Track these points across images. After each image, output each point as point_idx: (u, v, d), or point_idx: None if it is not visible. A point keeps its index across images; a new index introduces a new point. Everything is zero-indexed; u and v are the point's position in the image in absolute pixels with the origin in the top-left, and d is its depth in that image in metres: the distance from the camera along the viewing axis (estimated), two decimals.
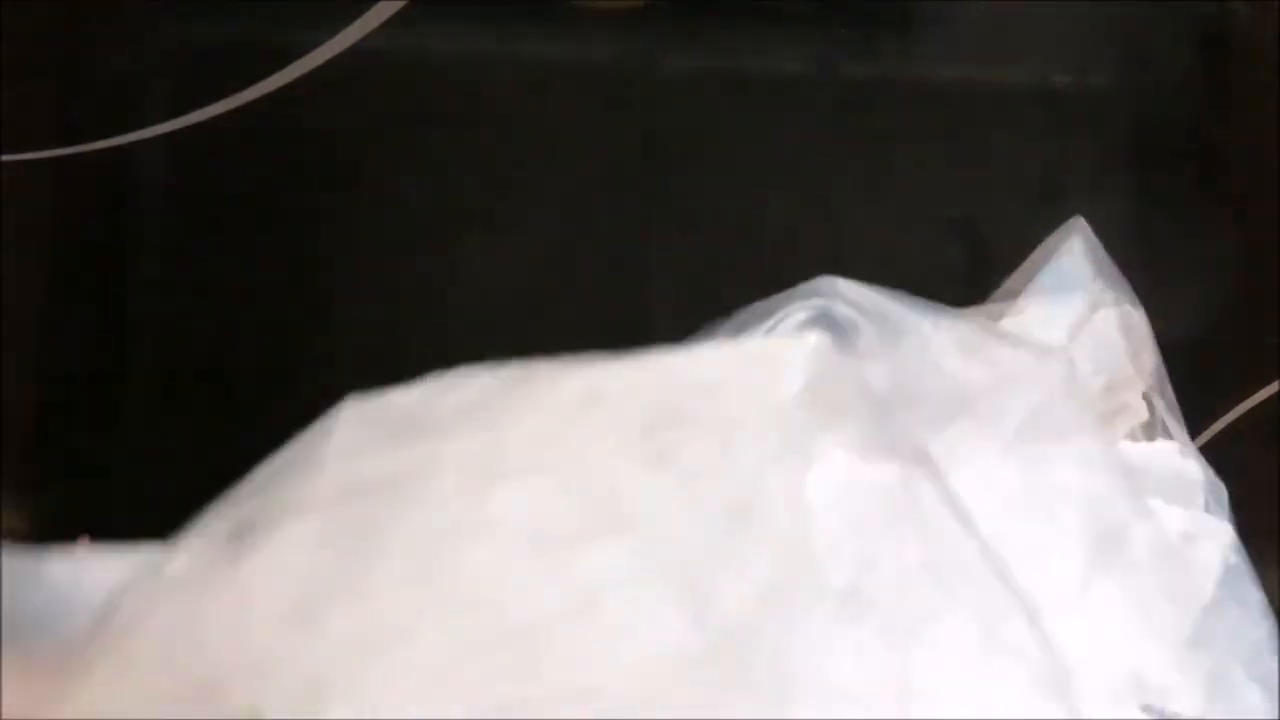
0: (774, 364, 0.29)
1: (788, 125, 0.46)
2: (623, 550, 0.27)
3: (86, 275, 0.46)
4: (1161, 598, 0.33)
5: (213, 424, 0.46)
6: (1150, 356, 0.37)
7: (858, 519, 0.28)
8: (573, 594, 0.26)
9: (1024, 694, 0.29)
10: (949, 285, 0.40)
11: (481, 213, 0.46)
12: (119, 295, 0.46)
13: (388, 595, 0.26)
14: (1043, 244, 0.40)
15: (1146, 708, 0.32)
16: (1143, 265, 0.41)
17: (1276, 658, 0.33)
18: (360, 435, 0.30)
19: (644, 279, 0.45)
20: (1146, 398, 0.37)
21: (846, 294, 0.34)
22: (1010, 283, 0.39)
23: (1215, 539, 0.35)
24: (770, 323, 0.33)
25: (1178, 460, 0.36)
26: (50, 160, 0.44)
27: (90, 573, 0.30)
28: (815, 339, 0.29)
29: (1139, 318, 0.38)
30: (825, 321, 0.33)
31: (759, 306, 0.34)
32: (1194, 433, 0.38)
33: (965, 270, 0.40)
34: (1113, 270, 0.39)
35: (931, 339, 0.33)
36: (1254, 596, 0.34)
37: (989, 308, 0.39)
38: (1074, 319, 0.38)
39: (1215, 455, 0.37)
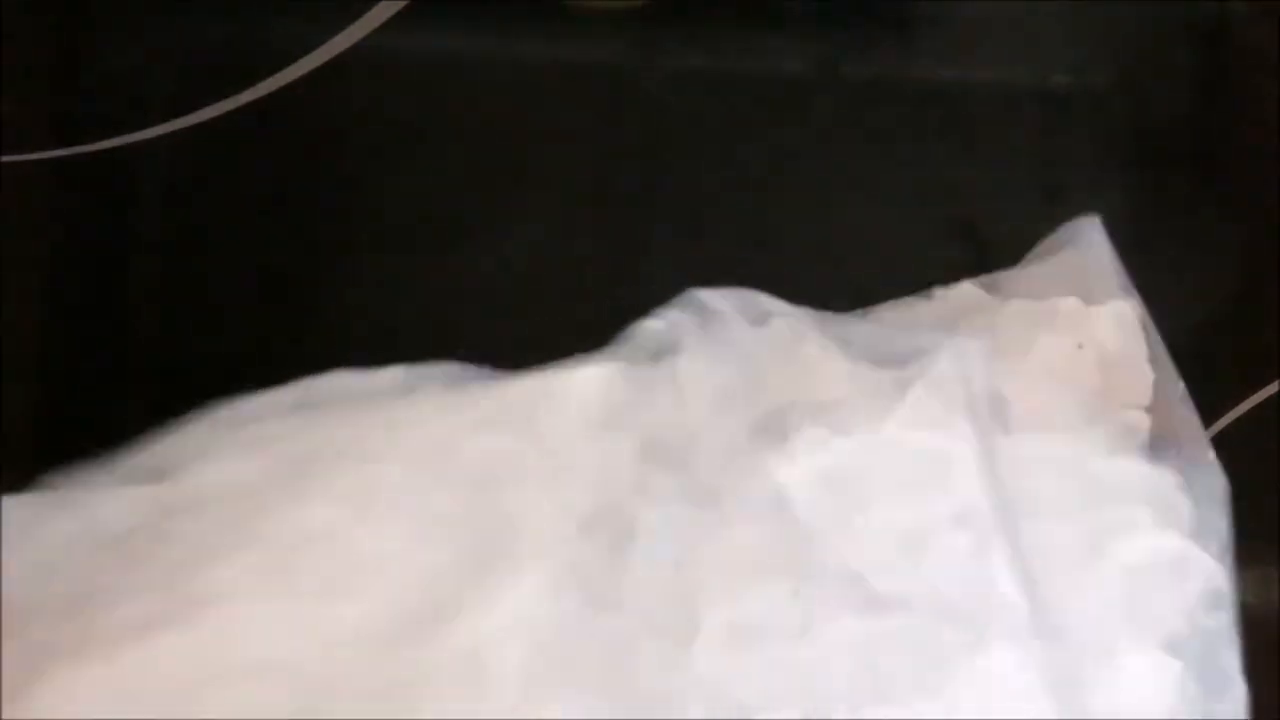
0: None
1: (788, 125, 0.46)
2: None
3: (86, 275, 0.46)
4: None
5: None
6: (1153, 362, 0.38)
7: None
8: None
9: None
10: (949, 285, 0.40)
11: (481, 212, 0.46)
12: (119, 295, 0.46)
13: None
14: (1053, 237, 0.40)
15: None
16: (1142, 265, 0.41)
17: None
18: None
19: (643, 278, 0.45)
20: (1152, 400, 0.37)
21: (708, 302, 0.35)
22: (1012, 276, 0.39)
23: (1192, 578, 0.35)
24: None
25: (1160, 480, 0.36)
26: (50, 160, 0.44)
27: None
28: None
29: (1146, 320, 0.38)
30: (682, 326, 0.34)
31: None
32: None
33: (965, 270, 0.40)
34: (1122, 272, 0.39)
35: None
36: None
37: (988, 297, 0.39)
38: (1078, 315, 0.38)
39: (1215, 455, 0.37)
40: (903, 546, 0.31)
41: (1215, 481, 0.36)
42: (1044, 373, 0.36)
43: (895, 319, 0.38)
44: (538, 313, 0.44)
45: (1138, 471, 0.36)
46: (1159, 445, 0.37)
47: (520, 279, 0.46)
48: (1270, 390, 0.47)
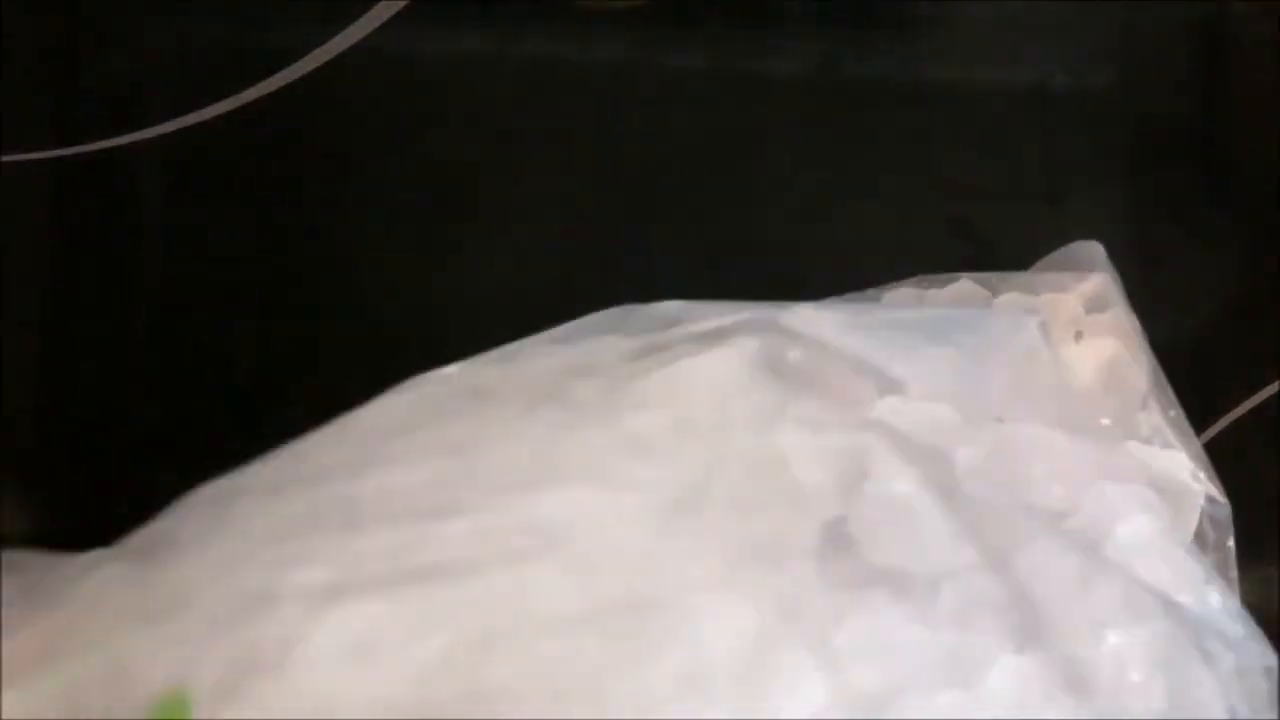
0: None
1: (788, 125, 0.46)
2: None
3: (86, 275, 0.46)
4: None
5: (213, 423, 0.46)
6: (1146, 371, 0.38)
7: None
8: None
9: (987, 636, 0.29)
10: (945, 276, 0.40)
11: (481, 212, 0.46)
12: (119, 295, 0.46)
13: None
14: (1052, 255, 0.40)
15: None
16: (1142, 265, 0.41)
17: None
18: None
19: (644, 278, 0.45)
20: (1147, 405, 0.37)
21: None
22: (1009, 278, 0.39)
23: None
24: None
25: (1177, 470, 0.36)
26: (50, 160, 0.44)
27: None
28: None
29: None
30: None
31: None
32: (1194, 433, 0.38)
33: (965, 270, 0.40)
34: (1122, 291, 0.39)
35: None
36: None
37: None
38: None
39: (1215, 455, 0.37)
40: None
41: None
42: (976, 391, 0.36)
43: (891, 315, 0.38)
44: (538, 313, 0.44)
45: (1139, 460, 0.36)
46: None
47: (520, 279, 0.46)
48: (1270, 390, 0.47)
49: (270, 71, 0.44)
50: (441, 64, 0.45)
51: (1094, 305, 0.38)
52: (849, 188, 0.46)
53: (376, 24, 0.44)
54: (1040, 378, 0.35)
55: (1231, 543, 0.36)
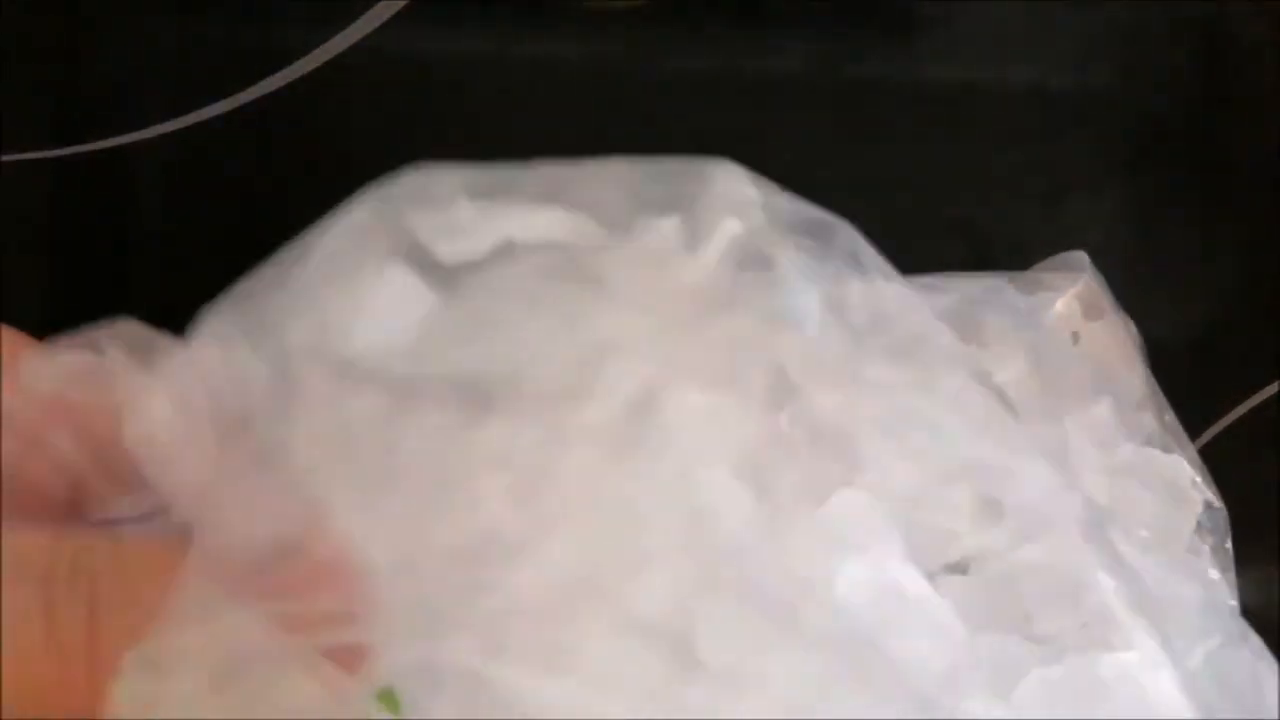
0: None
1: (788, 125, 0.46)
2: None
3: (86, 275, 0.46)
4: None
5: None
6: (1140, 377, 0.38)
7: None
8: None
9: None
10: (944, 275, 0.40)
11: None
12: (119, 295, 0.46)
13: None
14: (1040, 265, 0.40)
15: None
16: (1142, 265, 0.41)
17: None
18: None
19: None
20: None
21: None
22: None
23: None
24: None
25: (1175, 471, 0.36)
26: (50, 159, 0.44)
27: None
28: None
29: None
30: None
31: None
32: (1194, 434, 0.38)
33: (965, 270, 0.40)
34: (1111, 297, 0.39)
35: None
36: None
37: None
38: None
39: (1215, 455, 0.37)
40: None
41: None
42: (1038, 359, 0.36)
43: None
44: None
45: (1142, 459, 0.36)
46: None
47: None
48: (1270, 391, 0.47)
49: (270, 71, 0.44)
50: (441, 64, 0.45)
51: (1090, 309, 0.38)
52: (849, 187, 0.46)
53: (376, 24, 0.44)
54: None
55: (1229, 545, 0.36)
